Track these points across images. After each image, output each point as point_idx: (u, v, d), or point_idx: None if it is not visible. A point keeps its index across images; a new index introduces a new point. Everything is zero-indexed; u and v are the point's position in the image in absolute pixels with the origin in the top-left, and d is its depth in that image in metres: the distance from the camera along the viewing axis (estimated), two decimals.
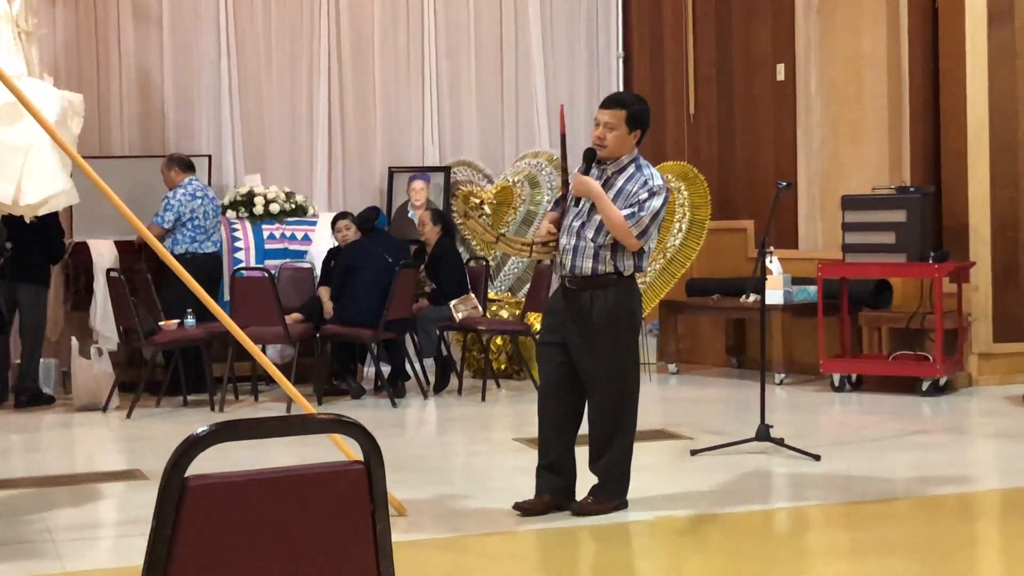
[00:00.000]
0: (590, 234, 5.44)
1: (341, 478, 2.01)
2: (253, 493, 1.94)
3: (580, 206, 5.49)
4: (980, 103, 9.25)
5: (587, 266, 5.44)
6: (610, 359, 5.47)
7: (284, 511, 1.96)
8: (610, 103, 5.54)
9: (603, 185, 5.46)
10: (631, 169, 5.48)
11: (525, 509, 5.48)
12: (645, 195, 5.39)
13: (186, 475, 1.90)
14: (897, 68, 9.82)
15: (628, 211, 5.38)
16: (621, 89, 11.79)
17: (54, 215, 8.82)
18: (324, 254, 9.77)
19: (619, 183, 5.45)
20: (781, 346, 9.62)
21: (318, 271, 9.81)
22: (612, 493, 5.60)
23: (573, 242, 5.47)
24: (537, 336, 8.17)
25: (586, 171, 5.51)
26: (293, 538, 1.97)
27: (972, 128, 9.26)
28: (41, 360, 9.28)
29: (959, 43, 9.40)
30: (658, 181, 5.46)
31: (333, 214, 10.06)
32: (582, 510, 5.53)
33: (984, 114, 9.24)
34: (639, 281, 9.81)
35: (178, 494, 1.88)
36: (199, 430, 1.91)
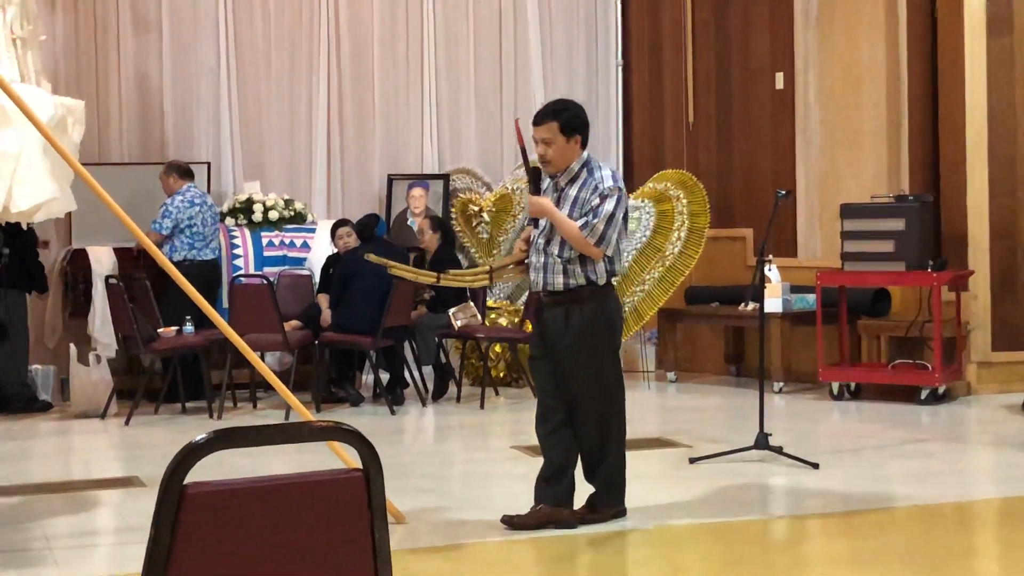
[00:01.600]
0: (556, 250, 5.43)
1: (340, 486, 2.01)
2: (252, 500, 1.94)
3: (542, 224, 5.49)
4: (979, 111, 9.26)
5: (558, 281, 5.43)
6: (591, 372, 5.45)
7: (283, 519, 1.95)
8: (539, 118, 5.46)
9: (559, 197, 5.45)
10: (583, 175, 5.43)
11: (515, 524, 5.46)
12: (597, 200, 5.33)
13: (185, 482, 1.90)
14: (896, 76, 9.83)
15: (582, 220, 5.33)
16: (620, 98, 11.82)
17: (30, 233, 8.88)
18: (323, 261, 9.77)
19: (573, 192, 5.42)
20: (780, 354, 9.62)
21: (317, 278, 9.81)
22: (610, 501, 5.60)
23: (542, 259, 5.47)
24: None
25: (536, 190, 5.53)
26: (291, 546, 1.96)
27: (971, 136, 9.27)
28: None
29: (958, 51, 9.41)
30: (608, 183, 5.36)
31: (332, 221, 10.06)
32: (582, 519, 5.52)
33: (983, 122, 9.25)
34: (639, 289, 9.88)
35: (177, 501, 1.88)
36: (198, 437, 1.91)
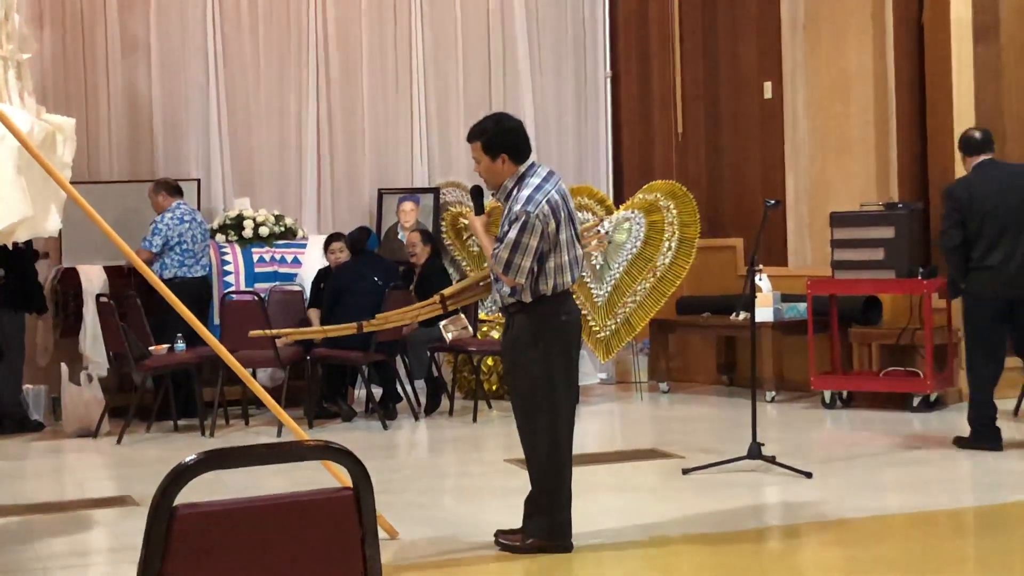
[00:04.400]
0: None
1: (330, 505, 2.01)
2: (242, 521, 1.94)
3: None
4: (966, 119, 9.28)
5: (498, 298, 5.43)
6: (518, 387, 5.40)
7: (273, 538, 1.95)
8: (468, 138, 5.43)
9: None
10: (514, 193, 5.31)
11: (503, 545, 5.42)
12: (506, 226, 5.24)
13: (175, 503, 1.89)
14: (883, 85, 9.86)
15: (493, 247, 5.28)
16: (609, 109, 11.84)
17: (29, 253, 8.87)
18: (313, 277, 9.77)
19: (506, 211, 5.35)
20: (772, 363, 9.63)
21: (308, 294, 9.80)
22: (526, 526, 5.41)
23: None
24: None
25: (479, 209, 5.54)
26: (282, 565, 1.96)
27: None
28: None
29: (945, 59, 9.45)
30: (517, 207, 5.20)
31: (323, 236, 10.05)
32: (497, 538, 5.45)
33: None
34: (630, 300, 9.88)
35: (167, 522, 1.87)
36: (188, 458, 1.91)
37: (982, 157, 7.43)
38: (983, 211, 7.27)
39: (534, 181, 5.27)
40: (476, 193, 5.63)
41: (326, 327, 6.27)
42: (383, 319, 5.95)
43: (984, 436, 7.42)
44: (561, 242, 5.25)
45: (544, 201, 5.21)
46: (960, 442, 7.50)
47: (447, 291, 5.84)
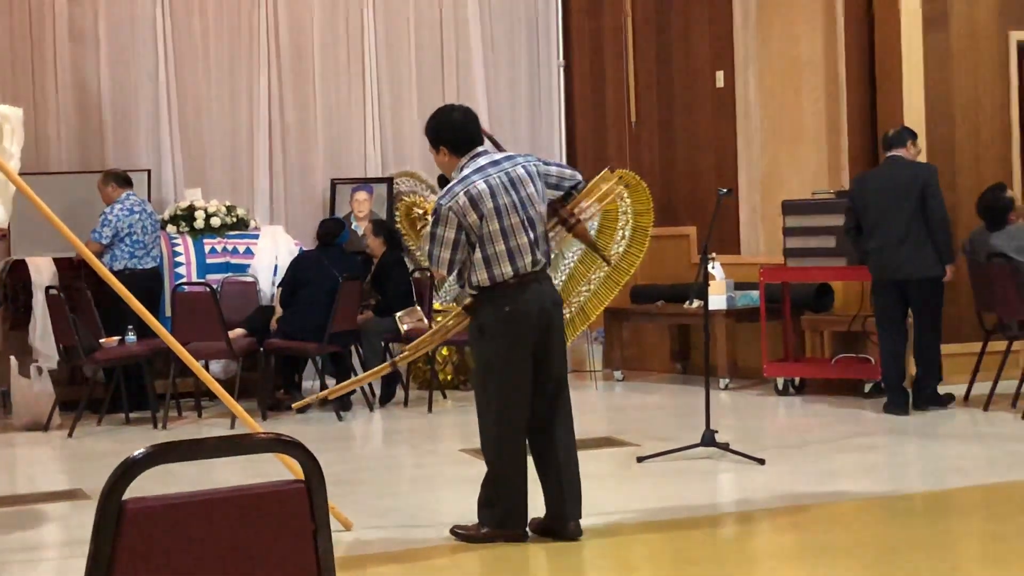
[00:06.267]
0: None
1: (281, 498, 2.00)
2: (192, 515, 1.92)
3: None
4: (916, 107, 9.36)
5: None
6: (474, 378, 5.49)
7: (224, 532, 1.94)
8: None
9: None
10: None
11: (458, 535, 5.42)
12: None
13: (124, 497, 1.87)
14: (834, 73, 9.92)
15: None
16: (562, 98, 11.83)
17: None
18: (266, 268, 9.73)
19: None
20: (725, 351, 9.68)
21: (261, 285, 9.74)
22: (481, 519, 5.39)
23: None
24: None
25: None
26: (234, 559, 1.95)
27: None
28: None
29: (895, 48, 9.51)
30: (435, 200, 5.32)
31: (275, 227, 9.98)
32: (452, 528, 5.45)
33: (920, 118, 9.35)
34: (585, 288, 9.86)
35: (116, 517, 1.85)
36: (136, 452, 1.89)
37: (889, 153, 8.31)
38: (868, 201, 8.20)
39: (464, 172, 5.29)
40: (442, 182, 5.62)
41: (359, 377, 6.13)
42: (414, 349, 5.82)
43: (892, 401, 8.23)
44: (491, 232, 5.22)
45: (462, 192, 5.20)
46: (886, 406, 8.25)
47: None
